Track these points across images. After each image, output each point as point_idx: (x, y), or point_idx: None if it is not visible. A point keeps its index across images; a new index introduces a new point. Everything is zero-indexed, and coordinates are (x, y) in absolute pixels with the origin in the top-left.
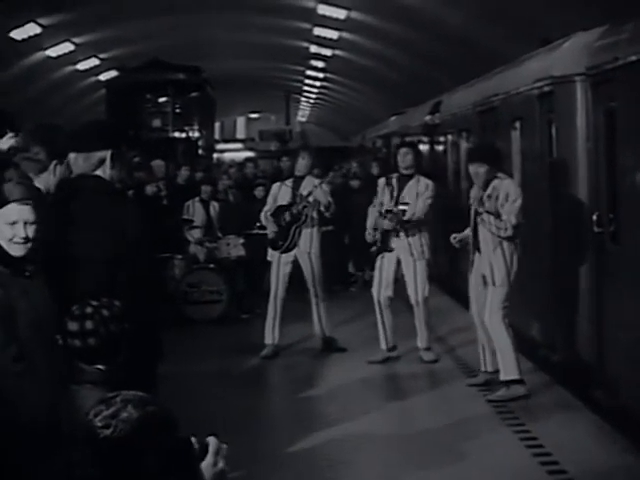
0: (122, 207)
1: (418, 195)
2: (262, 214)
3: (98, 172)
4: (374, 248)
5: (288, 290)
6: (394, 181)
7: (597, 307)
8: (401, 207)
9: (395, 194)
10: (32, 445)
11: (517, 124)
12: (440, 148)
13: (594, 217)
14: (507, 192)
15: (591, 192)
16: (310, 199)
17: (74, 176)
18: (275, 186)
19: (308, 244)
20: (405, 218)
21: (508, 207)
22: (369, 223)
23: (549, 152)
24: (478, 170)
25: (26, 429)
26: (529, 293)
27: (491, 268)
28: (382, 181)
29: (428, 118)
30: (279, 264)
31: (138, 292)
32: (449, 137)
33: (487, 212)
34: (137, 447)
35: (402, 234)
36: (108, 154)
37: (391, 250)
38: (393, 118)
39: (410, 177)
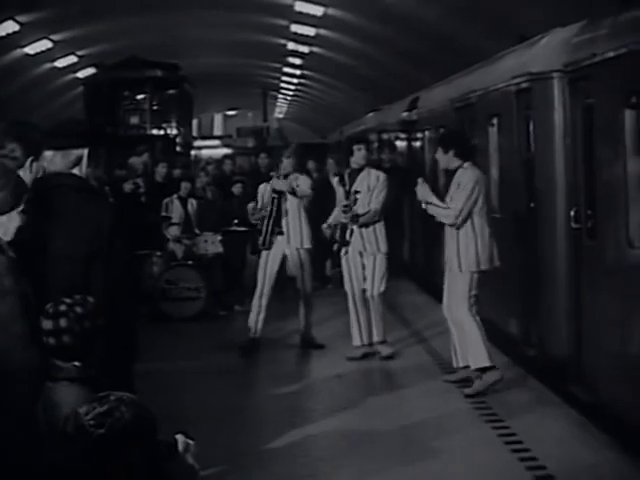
0: (97, 205)
1: (369, 188)
2: (250, 210)
3: (75, 170)
4: (335, 245)
5: (274, 286)
6: (346, 176)
7: (574, 302)
8: (355, 198)
9: (347, 188)
10: (10, 440)
11: (494, 120)
12: (417, 144)
13: (572, 213)
14: (459, 181)
15: (569, 188)
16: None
17: (50, 173)
18: (262, 187)
19: (299, 240)
20: (359, 212)
21: (456, 195)
22: (329, 220)
23: (527, 148)
24: (440, 157)
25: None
26: (507, 289)
27: (450, 256)
28: (335, 179)
29: (405, 115)
30: (267, 260)
31: (113, 290)
32: (426, 133)
33: (427, 203)
34: (127, 445)
35: (356, 227)
36: (85, 152)
37: (348, 244)
38: (370, 114)
39: (360, 170)
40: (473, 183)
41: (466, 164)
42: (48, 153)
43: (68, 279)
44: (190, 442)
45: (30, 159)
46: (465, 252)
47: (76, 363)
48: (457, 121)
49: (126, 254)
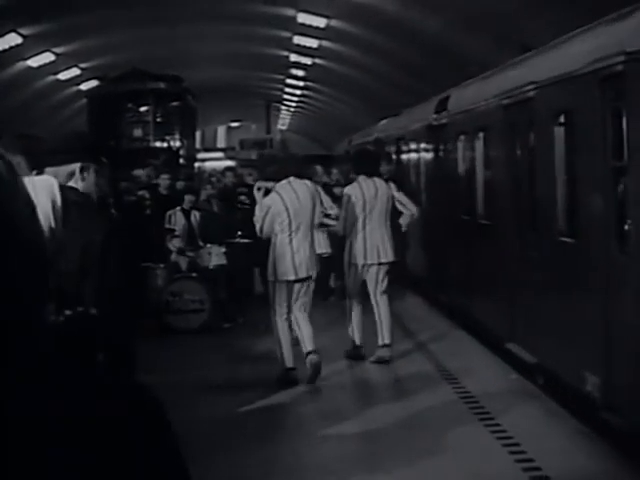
0: (91, 218)
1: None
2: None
3: (71, 183)
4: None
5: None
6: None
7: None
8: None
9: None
10: None
11: (563, 118)
12: (449, 152)
13: None
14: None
15: None
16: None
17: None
18: None
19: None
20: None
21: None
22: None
23: (617, 154)
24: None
25: None
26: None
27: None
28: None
29: (433, 117)
30: None
31: (107, 303)
32: (462, 139)
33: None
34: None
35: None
36: (77, 167)
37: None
38: (384, 122)
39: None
40: (345, 198)
41: (361, 177)
42: (49, 169)
43: (60, 292)
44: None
45: (34, 173)
46: (381, 245)
47: None
48: (506, 122)
49: (121, 267)
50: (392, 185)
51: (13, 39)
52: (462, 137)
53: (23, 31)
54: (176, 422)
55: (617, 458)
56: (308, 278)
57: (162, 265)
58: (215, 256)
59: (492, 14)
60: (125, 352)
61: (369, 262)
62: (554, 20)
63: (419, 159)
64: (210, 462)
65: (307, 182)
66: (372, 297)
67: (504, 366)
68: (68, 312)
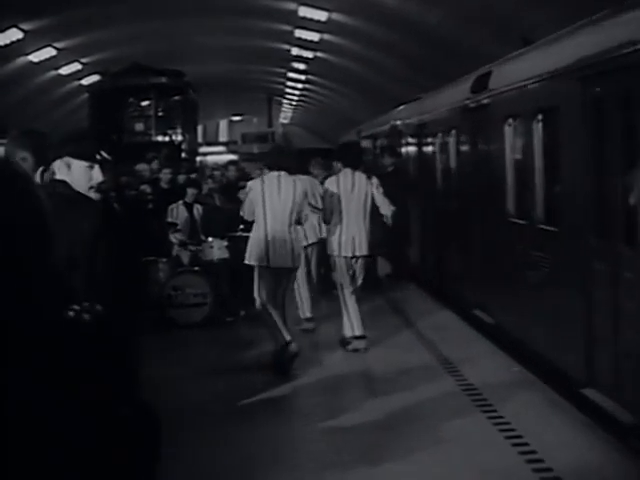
0: (80, 210)
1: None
2: None
3: (61, 176)
4: None
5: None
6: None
7: None
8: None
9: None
10: None
11: None
12: (491, 141)
13: None
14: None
15: None
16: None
17: (47, 181)
18: None
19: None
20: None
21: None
22: None
23: None
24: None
25: None
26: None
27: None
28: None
29: (470, 98)
30: None
31: (100, 297)
32: (511, 122)
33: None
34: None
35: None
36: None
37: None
38: (402, 107)
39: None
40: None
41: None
42: (56, 163)
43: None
44: None
45: (41, 169)
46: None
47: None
48: (587, 99)
49: (114, 262)
50: (374, 181)
51: (14, 34)
52: (510, 121)
53: (24, 26)
54: (178, 412)
55: (621, 450)
56: (286, 269)
57: (164, 259)
58: (217, 250)
59: (492, 7)
60: (126, 349)
61: (343, 254)
62: (554, 13)
63: (447, 148)
64: (210, 452)
65: (298, 177)
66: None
67: (506, 357)
68: (76, 307)
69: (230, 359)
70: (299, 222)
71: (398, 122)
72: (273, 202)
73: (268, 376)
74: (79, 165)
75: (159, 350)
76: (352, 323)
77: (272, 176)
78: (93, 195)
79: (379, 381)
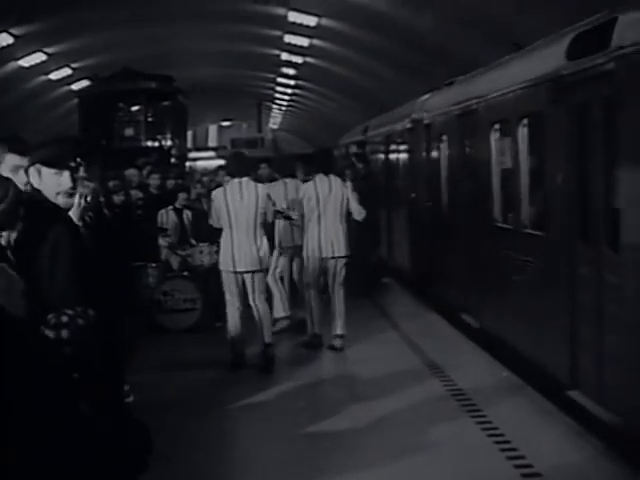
0: (40, 219)
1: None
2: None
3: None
4: None
5: None
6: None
7: None
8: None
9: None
10: None
11: None
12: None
13: None
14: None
15: None
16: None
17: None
18: None
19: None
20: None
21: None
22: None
23: None
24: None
25: None
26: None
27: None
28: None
29: (565, 66)
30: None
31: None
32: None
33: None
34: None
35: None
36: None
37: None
38: (427, 96)
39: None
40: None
41: (318, 176)
42: (31, 169)
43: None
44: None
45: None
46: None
47: (75, 375)
48: (569, 106)
49: (75, 269)
50: (348, 185)
51: (4, 39)
52: (497, 126)
53: (14, 31)
54: (167, 417)
55: (607, 453)
56: (251, 272)
57: (154, 264)
58: (207, 255)
59: (483, 12)
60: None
61: (324, 256)
62: (544, 19)
63: (517, 140)
64: (200, 458)
65: (284, 180)
66: (330, 289)
67: (494, 362)
68: (70, 312)
69: (217, 364)
70: (265, 224)
71: (425, 114)
72: (236, 208)
73: (254, 380)
74: (48, 172)
75: (147, 355)
76: (336, 322)
77: (234, 183)
78: (61, 201)
79: (366, 385)
